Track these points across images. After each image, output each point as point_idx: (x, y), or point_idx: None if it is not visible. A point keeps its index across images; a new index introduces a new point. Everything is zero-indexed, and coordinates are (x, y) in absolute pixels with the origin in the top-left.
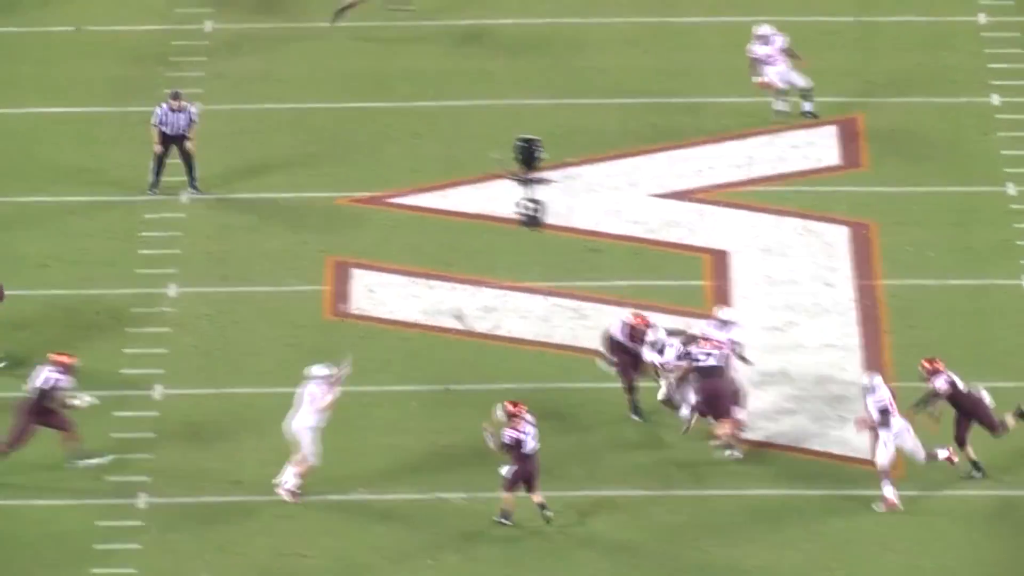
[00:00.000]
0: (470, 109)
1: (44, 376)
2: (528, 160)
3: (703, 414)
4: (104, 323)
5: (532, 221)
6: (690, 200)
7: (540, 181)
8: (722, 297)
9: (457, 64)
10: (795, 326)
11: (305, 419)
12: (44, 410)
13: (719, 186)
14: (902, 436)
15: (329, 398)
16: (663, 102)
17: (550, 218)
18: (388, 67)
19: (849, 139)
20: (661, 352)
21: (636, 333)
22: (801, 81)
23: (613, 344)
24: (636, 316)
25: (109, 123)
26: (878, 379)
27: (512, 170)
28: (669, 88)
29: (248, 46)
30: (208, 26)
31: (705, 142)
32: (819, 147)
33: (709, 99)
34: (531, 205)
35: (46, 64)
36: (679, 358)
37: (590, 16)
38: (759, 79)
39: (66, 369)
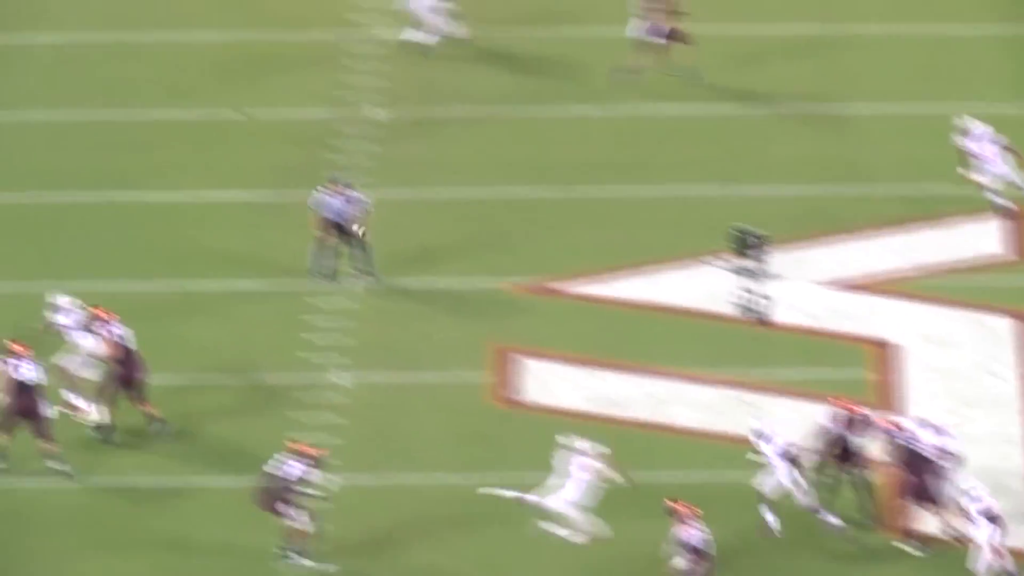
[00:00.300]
0: (634, 197)
1: (291, 466)
2: (742, 250)
3: (903, 497)
4: (270, 410)
5: (753, 314)
6: (855, 290)
7: (760, 273)
8: (888, 389)
9: (620, 151)
10: (962, 418)
11: (568, 493)
12: (283, 501)
13: (885, 275)
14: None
15: (590, 472)
16: (828, 190)
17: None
18: (554, 154)
19: (1015, 228)
20: (763, 440)
21: (853, 422)
22: (1018, 180)
23: (827, 435)
24: (843, 404)
25: (277, 209)
26: (978, 485)
27: (727, 259)
28: (834, 176)
29: (416, 132)
30: (376, 112)
31: (871, 231)
32: (985, 237)
33: (874, 187)
34: (751, 298)
35: (214, 149)
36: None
37: (753, 103)
38: (967, 173)
39: (316, 462)
